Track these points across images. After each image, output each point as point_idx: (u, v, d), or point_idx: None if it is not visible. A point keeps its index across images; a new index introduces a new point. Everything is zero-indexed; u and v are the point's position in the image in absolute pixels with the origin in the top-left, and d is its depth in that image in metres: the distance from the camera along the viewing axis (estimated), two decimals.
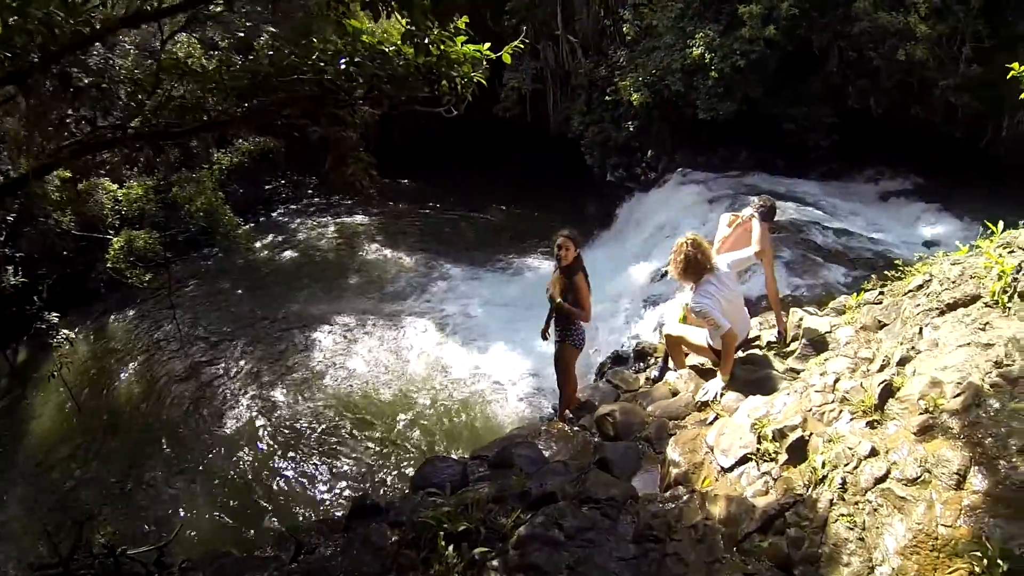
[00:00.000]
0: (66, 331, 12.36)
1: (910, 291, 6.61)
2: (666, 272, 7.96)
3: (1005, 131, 14.71)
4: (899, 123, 15.79)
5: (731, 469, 5.25)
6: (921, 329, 5.60)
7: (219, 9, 7.63)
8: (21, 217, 12.35)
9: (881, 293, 7.49)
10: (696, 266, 6.76)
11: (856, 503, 4.32)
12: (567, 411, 8.37)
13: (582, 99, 20.31)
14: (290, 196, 22.71)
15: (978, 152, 15.18)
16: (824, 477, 4.58)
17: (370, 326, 15.05)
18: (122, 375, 14.60)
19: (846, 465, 4.53)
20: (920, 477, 4.16)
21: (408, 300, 16.41)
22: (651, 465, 6.34)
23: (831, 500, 4.41)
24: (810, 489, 4.59)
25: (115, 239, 12.04)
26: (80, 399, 13.51)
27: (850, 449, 4.59)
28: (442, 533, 5.09)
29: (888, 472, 4.33)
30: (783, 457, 4.97)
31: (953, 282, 5.84)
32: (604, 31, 20.49)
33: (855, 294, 8.06)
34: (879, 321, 6.76)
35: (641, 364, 9.77)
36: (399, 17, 5.76)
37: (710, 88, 16.60)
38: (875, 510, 4.22)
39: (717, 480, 5.29)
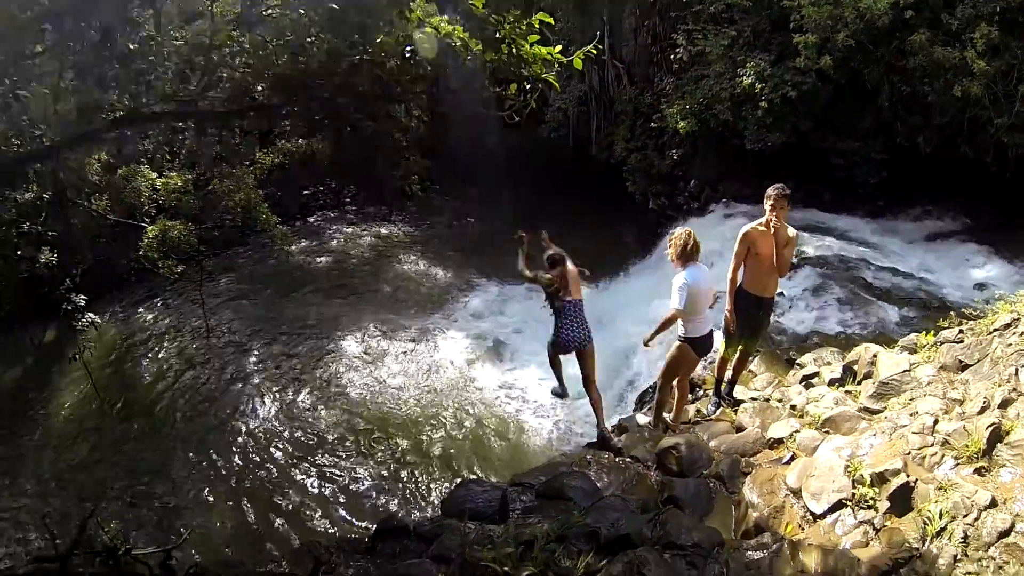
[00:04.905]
0: (92, 315, 12.03)
1: (996, 330, 6.21)
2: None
3: None
4: (947, 161, 15.32)
5: (823, 516, 4.79)
6: (1017, 370, 5.23)
7: (269, 11, 7.33)
8: (58, 197, 12.08)
9: (961, 331, 7.03)
10: (691, 253, 6.95)
11: (980, 560, 3.85)
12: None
13: (626, 125, 19.99)
14: (327, 203, 22.38)
15: None
16: (942, 529, 4.10)
17: (400, 338, 14.67)
18: (144, 365, 14.41)
19: (965, 516, 4.07)
20: None
21: (441, 314, 16.03)
22: (723, 506, 5.85)
23: (955, 556, 3.94)
24: (927, 543, 4.11)
25: (150, 228, 11.72)
26: (101, 385, 13.22)
27: (968, 499, 4.13)
28: None
29: (1013, 525, 3.91)
30: (884, 505, 4.52)
31: None
32: (651, 58, 20.21)
33: (924, 332, 7.58)
34: (961, 361, 6.34)
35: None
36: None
37: (759, 118, 16.20)
38: (1000, 568, 3.78)
39: (803, 527, 4.83)
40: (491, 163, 21.54)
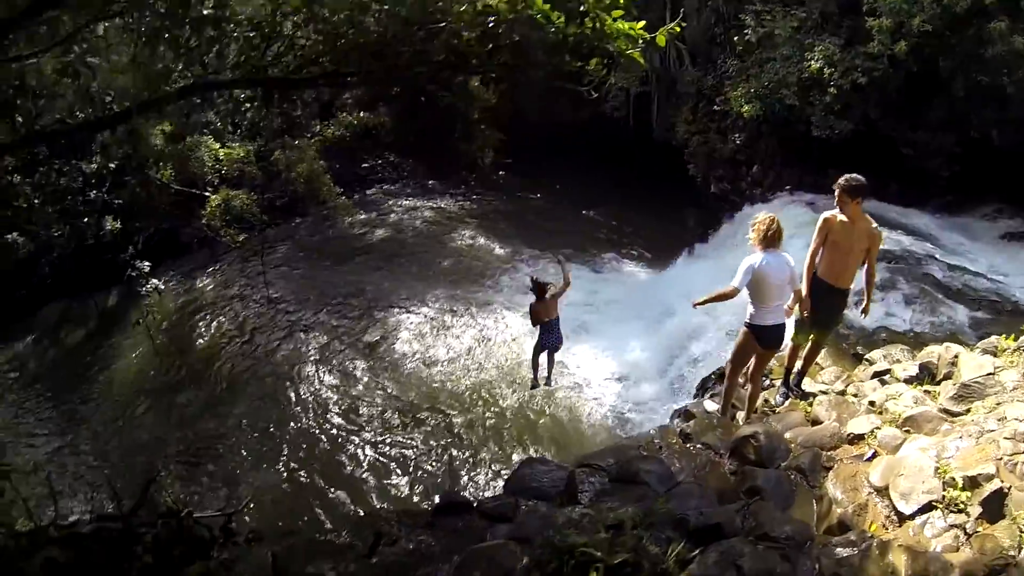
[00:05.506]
0: (155, 281, 12.29)
1: None
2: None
3: None
4: (1022, 157, 14.73)
5: (912, 517, 4.66)
6: None
7: None
8: (123, 167, 12.27)
9: None
10: (772, 239, 6.86)
11: None
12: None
13: (688, 107, 19.62)
14: (386, 176, 22.27)
15: None
16: None
17: (457, 313, 14.63)
18: (204, 332, 14.61)
19: None
20: None
21: (498, 290, 15.94)
22: (804, 499, 5.73)
23: None
24: (1023, 551, 3.97)
25: (213, 197, 11.88)
26: (161, 350, 13.46)
27: None
28: (599, 567, 4.28)
29: None
30: (976, 510, 4.39)
31: None
32: (714, 39, 19.78)
33: (1004, 336, 7.33)
34: None
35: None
36: None
37: (827, 104, 15.75)
38: None
39: (887, 527, 4.70)
40: (555, 139, 21.24)
